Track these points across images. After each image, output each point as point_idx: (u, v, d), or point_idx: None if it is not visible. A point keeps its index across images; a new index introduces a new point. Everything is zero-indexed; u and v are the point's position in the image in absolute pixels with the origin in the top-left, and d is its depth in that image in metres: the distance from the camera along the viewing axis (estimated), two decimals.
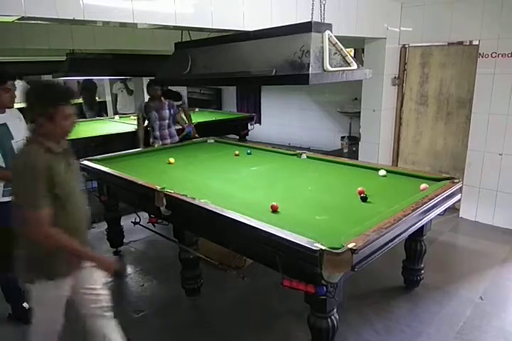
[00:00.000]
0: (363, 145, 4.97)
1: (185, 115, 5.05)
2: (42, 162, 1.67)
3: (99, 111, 8.90)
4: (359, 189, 2.59)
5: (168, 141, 4.54)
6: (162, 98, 4.54)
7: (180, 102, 5.09)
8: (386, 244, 2.01)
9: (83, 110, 8.64)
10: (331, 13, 2.62)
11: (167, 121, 4.54)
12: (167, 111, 4.51)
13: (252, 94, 8.53)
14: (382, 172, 3.05)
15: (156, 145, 4.38)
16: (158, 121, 4.47)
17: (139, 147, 4.37)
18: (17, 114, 2.62)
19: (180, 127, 4.95)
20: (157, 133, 4.49)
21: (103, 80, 8.80)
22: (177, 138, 4.66)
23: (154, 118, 4.44)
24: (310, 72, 2.04)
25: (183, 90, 8.82)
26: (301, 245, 1.81)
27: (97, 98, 9.11)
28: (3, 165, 2.44)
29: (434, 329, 2.58)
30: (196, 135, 4.86)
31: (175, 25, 2.63)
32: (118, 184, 3.13)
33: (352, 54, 6.20)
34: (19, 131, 2.57)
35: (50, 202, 1.70)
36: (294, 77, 2.12)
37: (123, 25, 2.57)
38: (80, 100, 8.73)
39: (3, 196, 2.48)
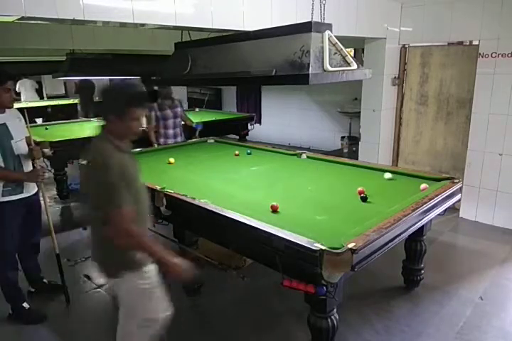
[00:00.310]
0: (363, 145, 4.97)
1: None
2: (117, 160, 1.71)
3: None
4: (359, 189, 2.59)
5: (171, 140, 4.51)
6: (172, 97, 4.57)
7: (156, 103, 4.77)
8: (386, 244, 2.01)
9: (77, 110, 8.58)
10: (331, 13, 2.62)
11: (172, 120, 4.51)
12: (171, 110, 4.50)
13: (252, 94, 8.53)
14: (387, 176, 2.93)
15: (156, 146, 4.37)
16: (162, 120, 4.46)
17: (152, 146, 4.35)
18: (16, 114, 2.63)
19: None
20: (162, 131, 4.48)
21: (103, 80, 8.79)
22: (180, 139, 4.61)
23: (159, 117, 4.44)
24: (310, 72, 2.04)
25: (182, 90, 8.84)
26: (301, 245, 1.81)
27: (96, 98, 9.08)
28: (3, 165, 2.45)
29: (434, 329, 2.58)
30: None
31: (175, 25, 2.62)
32: None
33: (352, 54, 6.20)
34: (19, 130, 2.57)
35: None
36: (294, 77, 2.12)
37: (123, 25, 2.57)
38: (76, 100, 8.70)
39: (3, 196, 2.48)
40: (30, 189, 2.65)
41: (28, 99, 9.27)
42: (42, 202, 2.82)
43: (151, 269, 1.84)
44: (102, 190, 1.70)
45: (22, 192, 2.58)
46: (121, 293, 1.87)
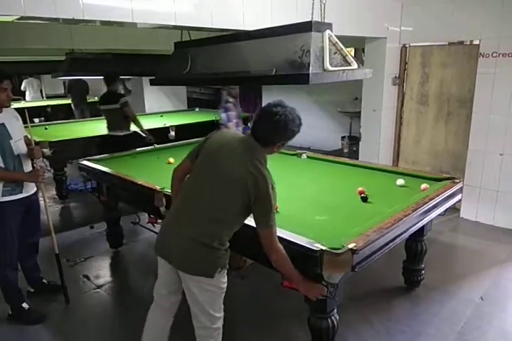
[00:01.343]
0: (363, 145, 4.96)
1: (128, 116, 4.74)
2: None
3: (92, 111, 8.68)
4: (359, 189, 2.58)
5: None
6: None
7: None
8: (386, 244, 2.01)
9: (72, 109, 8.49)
10: (331, 13, 2.61)
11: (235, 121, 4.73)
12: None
13: (252, 93, 8.52)
14: (400, 182, 2.79)
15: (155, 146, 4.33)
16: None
17: None
18: (13, 113, 2.61)
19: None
20: None
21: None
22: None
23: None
24: (310, 71, 2.04)
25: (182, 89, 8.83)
26: (302, 245, 1.80)
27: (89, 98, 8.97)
28: (3, 165, 2.44)
29: (435, 330, 2.58)
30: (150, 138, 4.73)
31: (174, 24, 2.62)
32: (118, 184, 3.12)
33: (352, 53, 6.18)
34: (17, 130, 2.56)
35: None
36: (295, 76, 2.11)
37: (122, 24, 2.57)
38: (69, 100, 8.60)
39: (3, 196, 2.47)
40: (30, 189, 2.64)
41: (34, 98, 9.25)
42: (42, 202, 2.81)
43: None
44: (265, 211, 1.73)
45: (21, 192, 2.57)
46: (203, 291, 1.85)
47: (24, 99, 9.02)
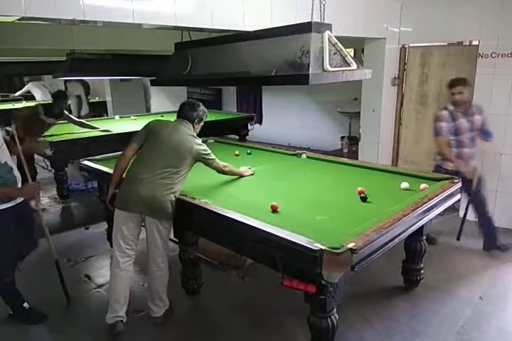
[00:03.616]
0: (362, 146, 4.97)
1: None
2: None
3: (96, 111, 8.71)
4: (359, 189, 2.59)
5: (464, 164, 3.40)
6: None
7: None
8: (386, 243, 2.01)
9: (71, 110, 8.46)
10: (330, 14, 2.62)
11: (469, 134, 3.42)
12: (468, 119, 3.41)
13: (252, 94, 8.53)
14: (404, 185, 2.73)
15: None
16: (454, 135, 3.43)
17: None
18: None
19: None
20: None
21: (103, 80, 8.79)
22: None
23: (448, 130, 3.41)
24: (310, 72, 2.05)
25: (183, 90, 8.83)
26: (301, 245, 1.81)
27: (94, 98, 8.98)
28: None
29: (434, 329, 2.59)
30: None
31: (175, 25, 2.63)
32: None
33: (352, 54, 6.20)
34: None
35: None
36: (294, 77, 2.12)
37: (123, 25, 2.57)
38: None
39: None
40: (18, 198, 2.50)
41: (44, 98, 9.19)
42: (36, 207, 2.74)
43: None
44: None
45: (9, 201, 2.42)
46: (162, 228, 2.50)
47: (26, 100, 9.02)
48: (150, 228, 2.49)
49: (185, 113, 2.66)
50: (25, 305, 2.68)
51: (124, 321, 2.57)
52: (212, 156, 2.67)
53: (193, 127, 2.66)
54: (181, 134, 2.54)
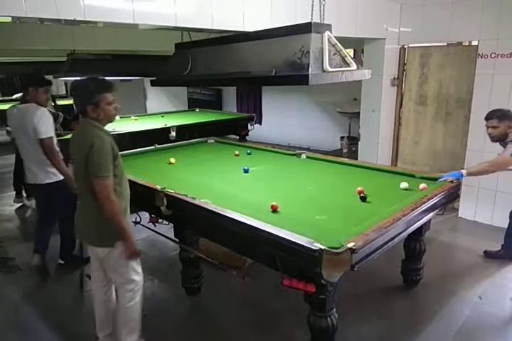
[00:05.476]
0: (362, 146, 4.98)
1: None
2: (107, 138, 2.07)
3: None
4: (358, 189, 2.60)
5: None
6: None
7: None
8: (385, 243, 2.02)
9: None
10: (330, 14, 2.63)
11: None
12: None
13: (252, 94, 8.54)
14: (403, 185, 2.73)
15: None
16: None
17: None
18: None
19: None
20: None
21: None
22: None
23: None
24: (310, 72, 2.05)
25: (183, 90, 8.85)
26: (301, 245, 1.82)
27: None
28: None
29: (433, 329, 2.59)
30: None
31: (175, 26, 2.64)
32: None
33: (351, 54, 6.21)
34: None
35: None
36: (294, 77, 2.13)
37: (123, 26, 2.58)
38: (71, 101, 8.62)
39: None
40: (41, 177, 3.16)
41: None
42: None
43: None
44: (94, 160, 1.97)
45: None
46: (112, 261, 2.14)
47: None
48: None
49: (75, 104, 2.16)
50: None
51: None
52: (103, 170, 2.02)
53: (92, 114, 2.07)
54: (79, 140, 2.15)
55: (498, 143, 3.15)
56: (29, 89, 3.16)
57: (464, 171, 2.82)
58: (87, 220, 2.19)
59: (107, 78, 2.13)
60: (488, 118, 3.09)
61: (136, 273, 2.22)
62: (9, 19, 2.16)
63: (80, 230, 2.29)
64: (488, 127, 3.09)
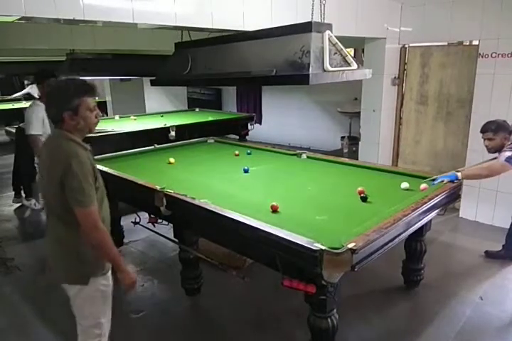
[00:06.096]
0: (362, 145, 4.97)
1: None
2: (84, 158, 1.68)
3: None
4: (359, 189, 2.59)
5: None
6: None
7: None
8: (386, 244, 2.01)
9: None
10: (331, 13, 2.62)
11: None
12: None
13: (252, 94, 8.53)
14: (404, 185, 2.72)
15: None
16: None
17: None
18: None
19: None
20: None
21: (103, 80, 8.79)
22: None
23: None
24: (310, 72, 2.05)
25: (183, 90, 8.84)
26: (301, 245, 1.81)
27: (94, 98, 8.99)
28: None
29: (434, 329, 2.59)
30: None
31: (175, 25, 2.63)
32: (118, 184, 3.13)
33: (352, 54, 6.20)
34: None
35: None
36: (295, 77, 2.12)
37: (123, 25, 2.57)
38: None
39: None
40: None
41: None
42: None
43: (109, 272, 1.85)
44: (74, 186, 1.62)
45: None
46: (80, 300, 1.80)
47: (25, 100, 9.04)
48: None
49: (48, 111, 1.75)
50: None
51: None
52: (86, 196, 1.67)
53: (68, 125, 1.71)
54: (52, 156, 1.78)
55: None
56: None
57: (459, 174, 2.81)
58: (54, 251, 1.82)
59: (87, 80, 1.81)
60: (483, 131, 3.08)
61: (104, 314, 1.85)
62: (12, 19, 2.16)
63: (48, 262, 1.88)
64: (484, 139, 3.08)
